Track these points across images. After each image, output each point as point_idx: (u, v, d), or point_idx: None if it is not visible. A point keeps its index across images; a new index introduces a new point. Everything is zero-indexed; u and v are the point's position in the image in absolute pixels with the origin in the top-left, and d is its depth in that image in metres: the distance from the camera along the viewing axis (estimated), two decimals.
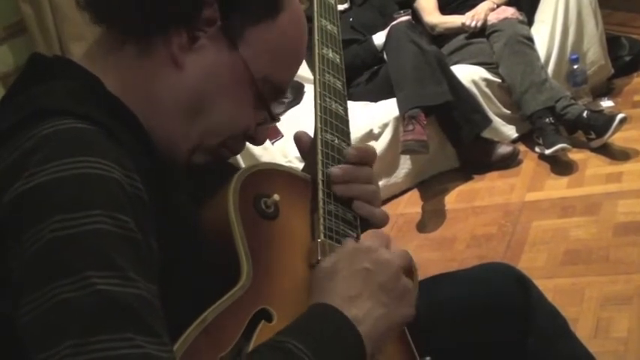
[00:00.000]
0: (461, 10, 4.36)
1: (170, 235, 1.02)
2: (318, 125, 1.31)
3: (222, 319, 1.00)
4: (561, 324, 1.51)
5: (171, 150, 1.12)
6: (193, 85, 1.10)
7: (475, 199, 3.73)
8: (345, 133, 1.36)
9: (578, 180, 3.57)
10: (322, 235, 1.19)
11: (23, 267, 0.87)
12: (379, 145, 3.90)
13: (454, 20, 4.33)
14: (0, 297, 0.91)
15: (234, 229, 1.09)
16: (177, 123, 1.11)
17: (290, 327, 1.01)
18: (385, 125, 3.91)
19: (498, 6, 4.23)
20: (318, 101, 1.35)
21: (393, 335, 1.15)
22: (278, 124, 4.06)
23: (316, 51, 1.40)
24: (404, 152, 3.71)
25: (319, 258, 1.16)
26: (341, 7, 4.48)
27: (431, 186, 4.00)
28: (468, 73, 4.04)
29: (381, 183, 3.92)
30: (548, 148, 3.68)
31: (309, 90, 4.51)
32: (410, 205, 3.89)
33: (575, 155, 3.74)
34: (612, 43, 4.46)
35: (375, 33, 4.24)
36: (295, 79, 4.45)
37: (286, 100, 4.32)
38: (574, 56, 4.12)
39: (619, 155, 3.64)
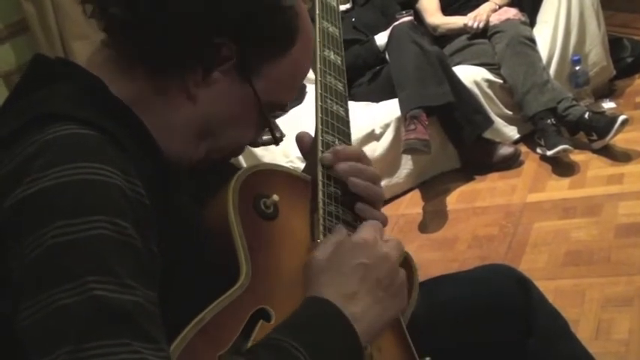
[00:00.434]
0: (463, 10, 4.36)
1: (173, 237, 1.03)
2: (319, 127, 1.32)
3: (221, 318, 1.00)
4: (562, 325, 1.51)
5: (177, 159, 1.14)
6: (204, 115, 1.13)
7: (476, 199, 3.73)
8: (346, 135, 1.36)
9: (579, 181, 3.56)
10: (322, 236, 1.19)
11: (23, 271, 0.88)
12: (381, 146, 3.90)
13: (456, 21, 4.33)
14: (0, 297, 0.91)
15: (234, 230, 1.10)
16: (185, 142, 1.14)
17: (287, 323, 1.01)
18: (387, 125, 3.91)
19: (500, 7, 4.23)
20: (319, 103, 1.36)
21: (387, 328, 1.15)
22: (280, 124, 4.07)
23: (317, 53, 1.40)
24: (406, 151, 3.71)
25: None
26: (343, 8, 4.48)
27: (432, 186, 4.00)
28: (470, 74, 4.04)
29: (382, 183, 3.89)
30: (549, 149, 3.68)
31: (310, 90, 4.51)
32: (411, 206, 3.88)
33: (577, 156, 3.74)
34: (614, 45, 4.45)
35: (377, 33, 4.24)
36: None
37: None
38: (576, 57, 4.12)
39: (620, 157, 3.63)
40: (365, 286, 1.08)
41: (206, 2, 1.06)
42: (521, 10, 4.23)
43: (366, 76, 4.25)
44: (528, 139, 4.07)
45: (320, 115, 1.34)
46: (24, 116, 0.98)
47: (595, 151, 3.73)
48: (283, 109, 1.26)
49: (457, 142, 4.02)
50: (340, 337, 1.03)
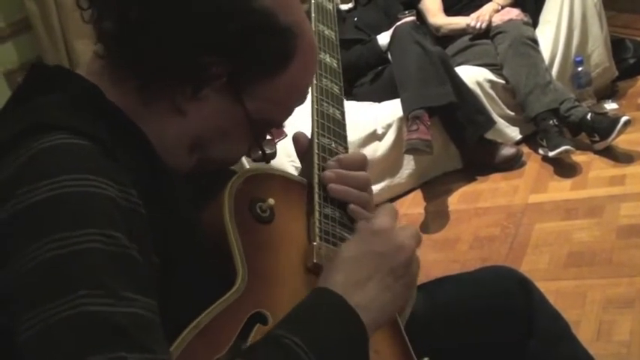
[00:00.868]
0: (465, 11, 4.35)
1: (172, 243, 1.03)
2: (315, 129, 1.33)
3: (218, 321, 1.00)
4: (563, 327, 1.52)
5: (172, 165, 1.13)
6: (193, 130, 1.12)
7: (478, 200, 3.73)
8: (342, 137, 1.38)
9: (581, 182, 3.56)
10: (318, 239, 1.19)
11: (17, 286, 0.88)
12: (383, 146, 3.90)
13: (459, 21, 4.33)
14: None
15: (230, 234, 1.10)
16: (176, 154, 1.14)
17: (289, 318, 1.00)
18: (389, 126, 3.91)
19: (503, 7, 4.23)
20: (315, 106, 1.37)
21: (391, 320, 1.15)
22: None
23: None
24: (408, 151, 3.70)
25: (315, 261, 1.16)
26: (345, 7, 4.48)
27: (434, 187, 4.00)
28: (472, 75, 4.04)
29: (384, 183, 3.92)
30: (551, 150, 3.68)
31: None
32: (413, 206, 3.89)
33: (579, 157, 3.74)
34: (617, 46, 4.45)
35: (379, 33, 4.24)
36: None
37: None
38: (578, 58, 4.11)
39: (622, 158, 3.63)
40: (377, 275, 1.07)
41: (197, 21, 1.05)
42: (524, 10, 4.23)
43: (368, 76, 4.26)
44: (530, 139, 4.07)
45: (316, 117, 1.35)
46: (20, 124, 0.98)
47: (597, 152, 3.73)
48: (279, 126, 1.25)
49: (459, 143, 4.02)
50: (343, 328, 1.01)
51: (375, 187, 3.90)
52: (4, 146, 0.96)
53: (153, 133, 1.09)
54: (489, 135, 3.97)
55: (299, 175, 1.35)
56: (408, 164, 3.98)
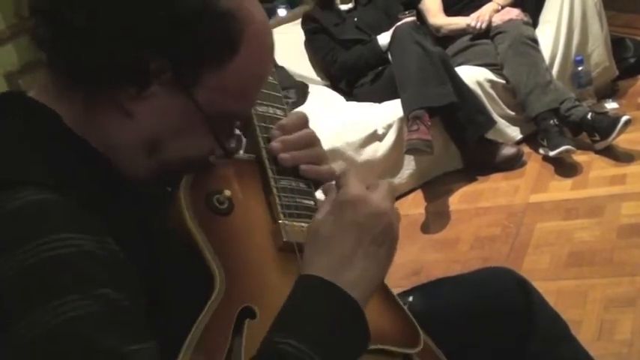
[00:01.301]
0: (465, 11, 4.35)
1: (155, 267, 1.03)
2: None
3: (209, 332, 0.99)
4: (562, 327, 1.51)
5: (135, 177, 1.11)
6: (145, 131, 1.07)
7: (479, 200, 3.73)
8: (277, 99, 1.33)
9: (582, 182, 3.56)
10: (282, 216, 1.18)
11: None
12: (383, 146, 3.91)
13: (459, 22, 4.33)
14: None
15: (196, 237, 1.08)
16: (133, 159, 1.09)
17: (283, 317, 0.98)
18: (389, 126, 3.91)
19: (503, 7, 4.23)
20: None
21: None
22: None
23: None
24: (408, 152, 3.70)
25: (284, 240, 1.15)
26: (345, 7, 4.49)
27: (435, 187, 4.00)
28: (473, 75, 4.04)
29: None
30: (552, 149, 3.68)
31: (313, 90, 4.51)
32: (414, 206, 3.88)
33: (580, 157, 3.74)
34: (617, 45, 4.45)
35: (379, 33, 4.24)
36: (299, 79, 4.45)
37: (290, 101, 4.32)
38: (578, 58, 4.11)
39: (623, 157, 3.63)
40: (361, 248, 1.04)
41: (127, 16, 1.01)
42: (524, 10, 4.23)
43: (368, 77, 4.26)
44: (531, 139, 4.07)
45: None
46: None
47: (598, 152, 3.73)
48: (242, 119, 1.20)
49: (460, 143, 4.02)
50: (339, 314, 0.99)
51: None
52: None
53: (105, 142, 1.07)
54: (490, 135, 3.97)
55: (245, 151, 1.30)
56: (409, 164, 3.98)
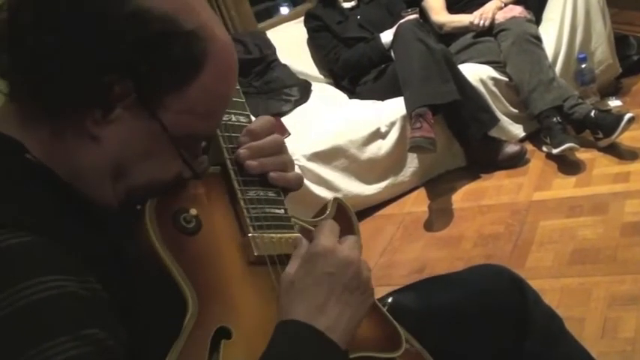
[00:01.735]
0: (468, 8, 4.36)
1: (131, 296, 1.02)
2: None
3: (184, 356, 0.99)
4: (558, 324, 1.51)
5: (104, 204, 1.09)
6: (111, 154, 1.05)
7: (482, 198, 3.73)
8: (240, 105, 1.30)
9: (585, 179, 3.56)
10: (251, 229, 1.17)
11: None
12: (386, 144, 3.90)
13: (462, 19, 4.33)
14: None
15: (165, 260, 1.07)
16: (100, 185, 1.07)
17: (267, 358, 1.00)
18: (392, 124, 3.91)
19: (506, 4, 4.23)
20: None
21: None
22: (285, 122, 4.07)
23: None
24: (411, 149, 3.70)
25: (255, 254, 1.15)
26: (348, 5, 4.50)
27: (438, 185, 4.00)
28: (476, 72, 4.04)
29: (387, 182, 3.92)
30: (555, 147, 3.67)
31: (316, 88, 4.51)
32: (417, 204, 3.88)
33: (583, 155, 3.73)
34: (620, 42, 4.45)
35: (382, 31, 4.25)
36: (302, 77, 4.45)
37: (293, 99, 4.32)
38: (582, 55, 4.11)
39: (627, 155, 3.63)
40: (334, 295, 1.07)
41: (91, 40, 0.99)
42: (527, 7, 4.23)
43: (371, 74, 4.26)
44: (534, 137, 4.07)
45: None
46: None
47: (601, 150, 3.72)
48: (208, 140, 1.18)
49: (463, 141, 4.02)
50: (322, 354, 1.03)
51: (379, 186, 3.91)
52: None
53: (73, 169, 1.05)
54: (493, 133, 3.97)
55: (211, 163, 1.26)
56: (412, 162, 3.99)
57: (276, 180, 1.25)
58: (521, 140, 4.10)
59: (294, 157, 3.68)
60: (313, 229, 1.19)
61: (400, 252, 3.46)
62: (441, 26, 4.43)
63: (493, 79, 4.07)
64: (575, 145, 3.63)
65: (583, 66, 4.08)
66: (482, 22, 4.18)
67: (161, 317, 1.05)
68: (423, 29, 4.02)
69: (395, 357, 1.21)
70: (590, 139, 3.78)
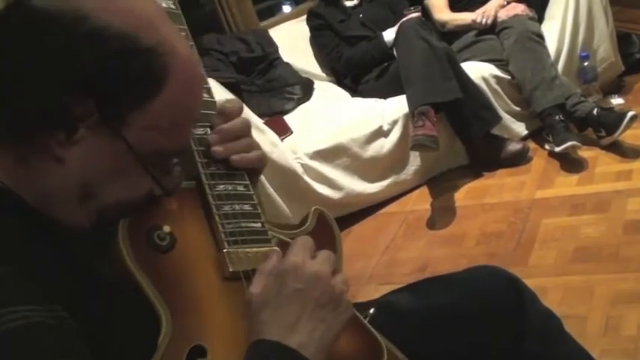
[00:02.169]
0: (471, 7, 4.35)
1: (105, 319, 1.02)
2: None
3: None
4: (556, 324, 1.50)
5: (74, 226, 1.07)
6: (77, 176, 1.03)
7: (485, 196, 3.73)
8: (210, 116, 1.28)
9: (588, 177, 3.55)
10: (226, 244, 1.16)
11: None
12: (389, 142, 3.91)
13: (464, 17, 4.32)
14: None
15: (138, 279, 1.06)
16: (68, 208, 1.05)
17: None
18: (395, 122, 3.91)
19: (508, 3, 4.23)
20: None
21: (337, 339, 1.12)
22: (287, 120, 4.07)
23: None
24: (414, 147, 3.70)
25: (230, 270, 1.14)
26: (350, 4, 4.50)
27: (440, 183, 4.00)
28: (478, 70, 4.04)
29: (390, 180, 3.92)
30: (558, 145, 3.67)
31: (318, 86, 4.51)
32: (419, 202, 3.88)
33: (585, 153, 3.73)
34: (623, 40, 4.45)
35: (385, 29, 4.25)
36: (304, 75, 4.46)
37: (295, 97, 4.32)
38: (584, 53, 4.11)
39: (629, 153, 3.63)
40: (305, 312, 1.05)
41: (46, 62, 0.98)
42: (530, 5, 4.22)
43: (373, 73, 4.26)
44: (537, 135, 4.07)
45: None
46: None
47: (603, 148, 3.72)
48: (177, 155, 1.14)
49: (465, 139, 4.02)
50: None
51: (381, 184, 3.91)
52: None
53: (40, 193, 1.03)
54: (495, 131, 3.97)
55: (186, 178, 1.25)
56: (414, 160, 3.99)
57: (237, 162, 1.24)
58: (524, 138, 4.10)
59: (296, 155, 3.71)
60: (291, 240, 1.19)
61: (402, 250, 3.46)
62: (443, 24, 4.43)
63: (495, 77, 4.07)
64: (578, 144, 3.63)
65: (585, 64, 4.07)
66: (484, 20, 4.18)
67: (136, 337, 1.05)
68: (425, 27, 4.03)
69: None
70: (593, 137, 3.78)
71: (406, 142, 3.82)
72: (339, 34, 4.45)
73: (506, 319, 1.42)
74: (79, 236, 1.08)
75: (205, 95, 1.27)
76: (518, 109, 4.11)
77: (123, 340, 1.03)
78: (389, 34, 4.19)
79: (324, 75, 4.66)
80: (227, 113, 1.26)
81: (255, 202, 1.24)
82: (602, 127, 3.68)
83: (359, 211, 3.91)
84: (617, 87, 4.35)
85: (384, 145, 3.91)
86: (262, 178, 3.58)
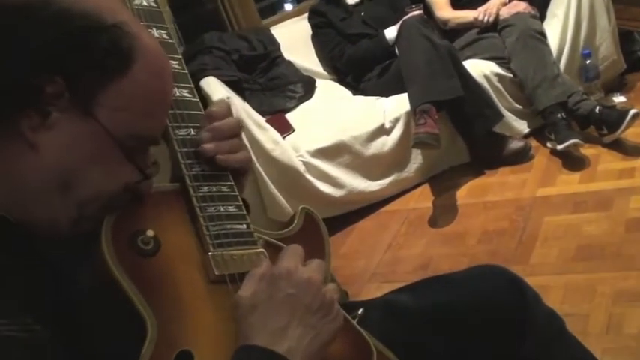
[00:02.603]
0: (473, 4, 4.35)
1: (91, 323, 1.02)
2: (167, 124, 1.22)
3: None
4: (558, 325, 1.50)
5: (53, 227, 1.05)
6: (55, 163, 1.02)
7: (487, 194, 3.73)
8: (197, 117, 1.26)
9: (590, 175, 3.55)
10: (211, 247, 1.15)
11: None
12: (391, 140, 3.91)
13: (466, 15, 4.32)
14: None
15: (122, 284, 1.04)
16: (51, 201, 1.03)
17: None
18: (397, 120, 3.91)
19: (510, 0, 4.22)
20: None
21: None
22: (289, 118, 4.07)
23: None
24: (415, 145, 3.70)
25: (216, 273, 1.13)
26: (352, 2, 4.50)
27: (442, 181, 4.00)
28: (480, 68, 4.04)
29: (392, 178, 3.92)
30: (560, 143, 3.67)
31: (320, 84, 4.51)
32: (421, 200, 3.88)
33: (587, 151, 3.73)
34: (625, 38, 4.44)
35: (386, 27, 4.25)
36: (306, 73, 4.46)
37: (297, 95, 4.32)
38: (586, 51, 4.10)
39: (631, 151, 3.62)
40: (295, 317, 1.05)
41: (15, 40, 0.98)
42: (531, 3, 4.22)
43: (375, 71, 4.25)
44: (538, 133, 4.06)
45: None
46: None
47: (605, 146, 3.72)
48: (153, 142, 1.13)
49: (467, 137, 4.02)
50: None
51: (383, 182, 3.91)
52: None
53: (12, 188, 1.01)
54: (497, 129, 3.97)
55: (170, 181, 1.26)
56: (416, 158, 3.99)
57: (224, 162, 1.23)
58: (526, 136, 4.10)
59: (298, 153, 3.71)
60: (278, 242, 1.18)
61: (404, 248, 3.46)
62: (445, 22, 4.42)
63: (497, 75, 4.06)
64: (580, 141, 3.62)
65: (587, 62, 4.07)
66: (486, 18, 4.18)
67: (121, 344, 1.04)
68: (427, 25, 4.02)
69: None
70: (595, 135, 3.78)
71: (408, 140, 3.82)
72: (340, 32, 4.45)
73: (509, 318, 1.41)
74: (58, 243, 1.07)
75: (187, 94, 1.27)
76: (520, 107, 4.10)
77: (107, 347, 1.03)
78: (391, 32, 4.19)
79: (325, 73, 4.66)
80: (214, 117, 1.25)
81: (240, 203, 1.23)
82: (604, 125, 3.68)
83: (361, 209, 3.92)
84: (619, 85, 4.35)
85: (386, 143, 3.91)
86: (264, 175, 3.60)
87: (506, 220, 3.38)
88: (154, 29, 1.27)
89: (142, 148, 1.12)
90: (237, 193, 1.24)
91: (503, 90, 4.07)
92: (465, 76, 3.86)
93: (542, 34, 4.03)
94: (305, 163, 3.72)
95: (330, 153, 3.78)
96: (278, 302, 1.05)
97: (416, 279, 1.55)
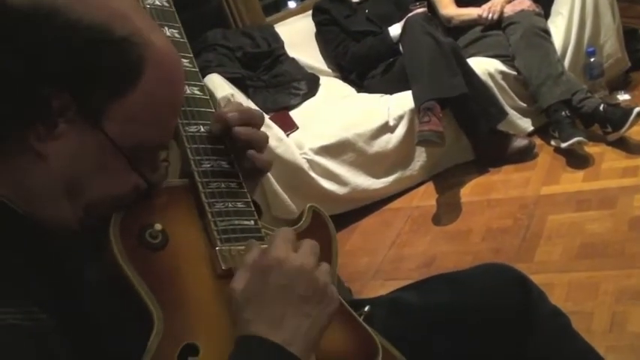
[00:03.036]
0: (477, 2, 4.35)
1: (96, 317, 1.02)
2: (178, 121, 1.23)
3: None
4: (564, 323, 1.50)
5: (62, 225, 1.06)
6: (62, 172, 1.03)
7: (490, 192, 3.72)
8: (208, 115, 1.28)
9: (594, 174, 3.55)
10: (218, 242, 1.16)
11: None
12: (395, 137, 3.90)
13: (470, 12, 4.32)
14: None
15: (130, 278, 1.05)
16: (59, 204, 1.05)
17: None
18: (401, 117, 3.91)
19: None
20: None
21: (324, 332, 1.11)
22: (293, 116, 4.07)
23: None
24: (419, 143, 3.70)
25: (223, 267, 1.13)
26: None
27: (446, 179, 4.00)
28: (484, 66, 4.03)
29: (396, 175, 3.92)
30: (564, 141, 3.67)
31: (324, 82, 4.51)
32: (425, 198, 3.88)
33: (592, 149, 3.73)
34: (629, 36, 4.43)
35: (390, 25, 4.24)
36: (310, 71, 4.46)
37: (301, 93, 4.32)
38: (591, 49, 4.10)
39: (635, 149, 3.62)
40: (290, 307, 1.04)
41: (23, 54, 0.97)
42: (536, 1, 4.22)
43: (379, 68, 4.25)
44: (542, 131, 4.06)
45: None
46: None
47: (610, 144, 3.71)
48: (161, 148, 1.14)
49: (471, 134, 4.02)
50: None
51: (387, 179, 3.91)
52: None
53: (21, 191, 1.02)
54: (501, 126, 3.97)
55: (180, 176, 1.27)
56: (420, 156, 3.98)
57: (253, 157, 1.24)
58: (530, 134, 4.09)
59: (302, 151, 3.72)
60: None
61: (408, 246, 3.46)
62: (449, 20, 4.42)
63: (501, 72, 4.06)
64: (584, 139, 3.62)
65: (592, 60, 4.07)
66: (490, 16, 4.18)
67: (128, 336, 1.04)
68: (431, 23, 4.02)
69: None
70: (599, 133, 3.77)
71: (412, 137, 3.82)
72: (344, 30, 4.45)
73: (515, 317, 1.41)
74: (66, 237, 1.07)
75: (197, 92, 1.29)
76: (524, 104, 4.10)
77: (114, 339, 1.03)
78: (395, 30, 4.19)
79: (329, 70, 4.66)
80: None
81: (249, 199, 1.23)
82: (608, 123, 3.68)
83: (364, 207, 3.92)
84: (623, 83, 4.34)
85: (390, 140, 3.91)
86: (268, 173, 3.59)
87: (510, 218, 3.38)
88: (167, 28, 1.28)
89: (152, 155, 1.13)
90: (245, 190, 1.25)
91: (507, 88, 4.07)
92: (469, 74, 3.85)
93: (547, 32, 4.03)
94: (309, 161, 3.72)
95: (333, 150, 3.78)
96: (271, 295, 1.04)
97: (419, 277, 1.55)
